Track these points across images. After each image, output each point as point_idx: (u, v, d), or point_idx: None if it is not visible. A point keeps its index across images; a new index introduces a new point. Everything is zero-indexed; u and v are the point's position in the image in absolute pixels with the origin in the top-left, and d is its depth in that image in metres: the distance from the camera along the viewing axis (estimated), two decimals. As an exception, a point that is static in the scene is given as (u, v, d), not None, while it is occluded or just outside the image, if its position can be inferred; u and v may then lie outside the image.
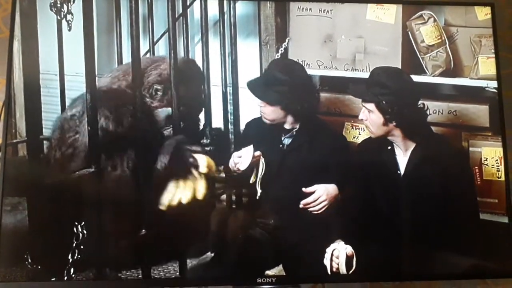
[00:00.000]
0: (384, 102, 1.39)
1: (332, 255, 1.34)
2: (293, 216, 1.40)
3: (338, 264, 1.34)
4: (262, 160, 1.40)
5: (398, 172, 1.43)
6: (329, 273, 1.34)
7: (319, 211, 1.38)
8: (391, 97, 1.39)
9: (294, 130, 1.45)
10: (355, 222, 1.40)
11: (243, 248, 1.36)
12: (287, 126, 1.45)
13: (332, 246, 1.35)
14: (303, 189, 1.39)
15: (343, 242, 1.35)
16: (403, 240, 1.40)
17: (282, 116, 1.43)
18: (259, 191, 1.38)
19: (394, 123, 1.40)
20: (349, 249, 1.34)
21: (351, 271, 1.34)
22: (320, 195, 1.38)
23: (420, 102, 1.43)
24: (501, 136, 1.46)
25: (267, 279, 1.34)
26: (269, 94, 1.43)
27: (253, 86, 1.44)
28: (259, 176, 1.39)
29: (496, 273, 1.42)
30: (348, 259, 1.33)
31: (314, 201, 1.38)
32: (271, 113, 1.43)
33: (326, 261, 1.35)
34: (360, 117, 1.44)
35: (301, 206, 1.39)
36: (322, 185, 1.39)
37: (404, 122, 1.41)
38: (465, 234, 1.41)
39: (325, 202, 1.38)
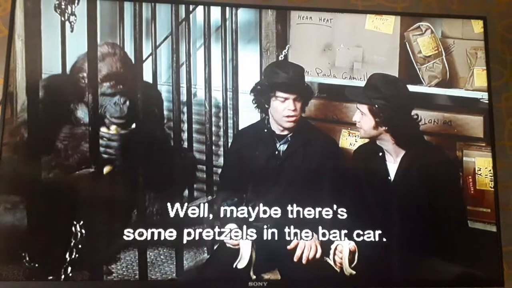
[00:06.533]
0: (376, 106, 1.43)
1: (335, 249, 1.39)
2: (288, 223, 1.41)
3: (341, 259, 1.38)
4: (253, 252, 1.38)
5: (389, 178, 1.46)
6: (338, 270, 1.38)
7: (314, 251, 1.39)
8: (384, 102, 1.43)
9: (289, 135, 1.47)
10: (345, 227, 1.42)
11: (237, 251, 1.37)
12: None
13: (336, 242, 1.39)
14: (288, 247, 1.39)
15: (347, 238, 1.40)
16: (392, 245, 1.42)
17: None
18: (253, 277, 1.37)
19: (385, 128, 1.44)
20: (352, 245, 1.39)
21: (353, 265, 1.38)
22: (302, 247, 1.38)
23: (414, 112, 1.47)
24: (490, 146, 1.50)
25: (259, 282, 1.35)
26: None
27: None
28: (253, 262, 1.37)
29: (484, 281, 1.43)
30: (351, 254, 1.38)
31: (302, 251, 1.38)
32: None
33: (330, 256, 1.39)
34: (353, 119, 1.47)
35: (295, 260, 1.38)
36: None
37: (395, 128, 1.44)
38: (453, 242, 1.43)
39: (313, 248, 1.39)
